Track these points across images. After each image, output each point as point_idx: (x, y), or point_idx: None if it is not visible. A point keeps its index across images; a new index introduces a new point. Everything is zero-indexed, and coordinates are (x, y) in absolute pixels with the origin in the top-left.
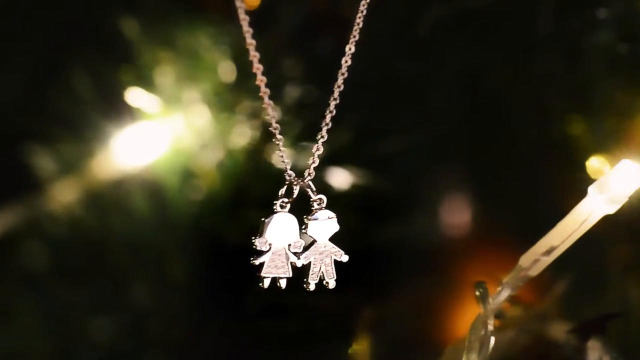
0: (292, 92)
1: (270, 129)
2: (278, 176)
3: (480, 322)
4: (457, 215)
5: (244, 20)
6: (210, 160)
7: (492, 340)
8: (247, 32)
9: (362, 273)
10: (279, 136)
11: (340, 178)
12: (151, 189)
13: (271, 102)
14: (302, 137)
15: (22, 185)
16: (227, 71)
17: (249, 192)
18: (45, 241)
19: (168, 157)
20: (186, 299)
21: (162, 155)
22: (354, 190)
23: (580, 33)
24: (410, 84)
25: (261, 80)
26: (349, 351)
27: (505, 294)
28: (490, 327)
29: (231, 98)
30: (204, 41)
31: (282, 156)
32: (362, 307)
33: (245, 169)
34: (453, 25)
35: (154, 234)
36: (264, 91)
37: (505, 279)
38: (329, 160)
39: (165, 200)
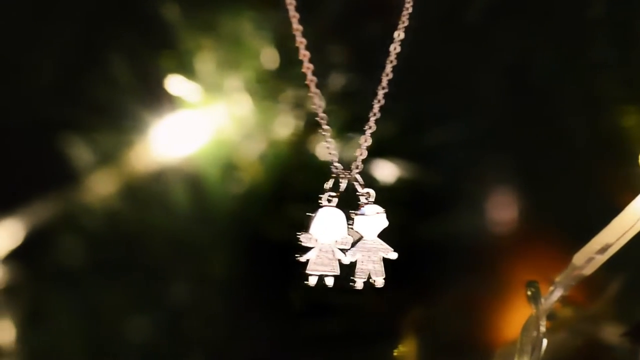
0: (338, 81)
1: (316, 119)
2: (322, 169)
3: (532, 323)
4: (506, 210)
5: (290, 4)
6: (252, 151)
7: (545, 342)
8: (294, 17)
9: (408, 271)
10: (325, 127)
11: (386, 171)
12: (191, 181)
13: (318, 90)
14: (346, 127)
15: (57, 176)
16: (270, 58)
17: (292, 185)
18: (81, 235)
19: (209, 148)
20: (226, 296)
21: (202, 146)
22: (400, 184)
23: (634, 19)
24: (459, 72)
25: (307, 67)
26: (395, 353)
27: (557, 294)
28: (543, 329)
29: (274, 86)
30: (246, 27)
31: (328, 148)
32: (408, 307)
33: (289, 161)
34: (504, 11)
35: (193, 228)
36: (311, 79)
37: (557, 279)
38: (374, 152)
39: (206, 193)
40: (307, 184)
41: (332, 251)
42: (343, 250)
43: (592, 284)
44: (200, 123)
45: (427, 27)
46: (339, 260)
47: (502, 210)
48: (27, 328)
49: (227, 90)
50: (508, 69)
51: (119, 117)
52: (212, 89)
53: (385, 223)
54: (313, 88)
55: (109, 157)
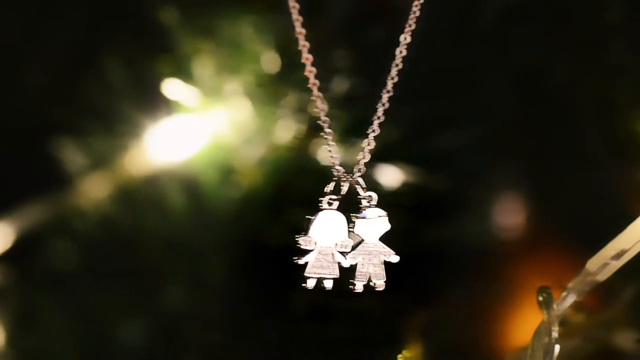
0: (341, 84)
1: (318, 122)
2: (324, 173)
3: (544, 329)
4: (515, 216)
5: (294, 8)
6: (251, 155)
7: (557, 348)
8: (297, 20)
9: (412, 275)
10: (328, 130)
11: (390, 175)
12: (188, 185)
13: (321, 94)
14: (349, 131)
15: (51, 180)
16: (270, 62)
17: (292, 189)
18: (74, 239)
19: (207, 152)
20: (224, 301)
21: (200, 151)
22: (404, 188)
23: None
24: (468, 76)
25: (310, 71)
26: (399, 358)
27: (570, 299)
28: (555, 335)
29: (275, 90)
30: (246, 30)
31: (330, 151)
32: (412, 312)
33: (289, 165)
34: (517, 15)
35: (190, 232)
36: (313, 82)
37: (570, 284)
38: (378, 156)
39: (203, 197)
40: (308, 188)
41: (332, 254)
42: (343, 253)
43: (607, 290)
44: (198, 127)
45: (436, 31)
46: (339, 263)
47: (511, 215)
48: (18, 331)
49: (226, 95)
50: (519, 73)
51: (114, 121)
52: (211, 93)
53: (387, 226)
54: (315, 92)
55: (104, 161)
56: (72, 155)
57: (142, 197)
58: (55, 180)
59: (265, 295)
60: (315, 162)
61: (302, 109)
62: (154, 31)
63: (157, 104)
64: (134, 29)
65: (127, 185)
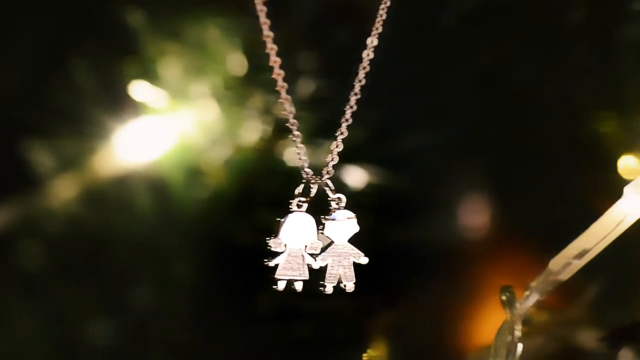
0: (308, 86)
1: (287, 124)
2: (290, 174)
3: (507, 328)
4: (479, 216)
5: (262, 11)
6: (218, 157)
7: (520, 347)
8: (264, 23)
9: (378, 276)
10: (296, 132)
11: (356, 177)
12: (156, 186)
13: (289, 96)
14: (317, 133)
15: (20, 181)
16: (237, 64)
17: (259, 190)
18: (43, 240)
19: (174, 153)
20: (192, 301)
21: (167, 152)
22: (370, 189)
23: (613, 25)
24: (434, 78)
25: (278, 74)
26: (364, 357)
27: (533, 299)
28: (518, 334)
29: (242, 92)
30: (213, 32)
31: (299, 153)
32: (378, 312)
33: (255, 167)
34: (479, 17)
35: (158, 233)
36: (282, 85)
37: (533, 284)
38: (344, 157)
39: (171, 198)
40: (273, 189)
41: (302, 256)
42: (313, 255)
43: (569, 289)
44: (165, 129)
45: (402, 34)
46: (309, 265)
47: (476, 215)
48: None
49: (193, 96)
50: (484, 75)
51: (82, 123)
52: (178, 94)
53: (356, 228)
54: (284, 94)
55: (72, 162)
56: (40, 157)
57: (110, 198)
58: (24, 181)
59: (233, 295)
60: (281, 163)
61: (268, 111)
62: (121, 33)
63: (124, 106)
64: (101, 32)
65: (95, 187)
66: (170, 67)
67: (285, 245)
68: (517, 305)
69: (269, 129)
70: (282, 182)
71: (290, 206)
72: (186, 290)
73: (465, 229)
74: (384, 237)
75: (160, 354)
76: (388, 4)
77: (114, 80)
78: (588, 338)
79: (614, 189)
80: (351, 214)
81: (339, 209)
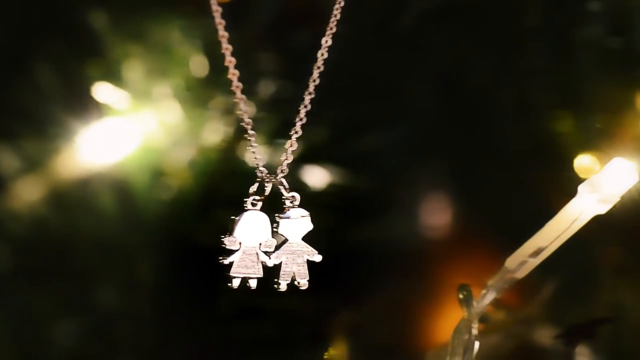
0: (267, 87)
1: (242, 124)
2: (251, 175)
3: (464, 326)
4: (438, 215)
5: (217, 12)
6: (181, 158)
7: (477, 345)
8: (220, 24)
9: (338, 275)
10: (251, 132)
11: (316, 176)
12: (119, 187)
13: (244, 96)
14: (277, 133)
15: None
16: (199, 66)
17: (221, 191)
18: (7, 241)
19: (137, 154)
20: (155, 301)
21: (130, 153)
22: (330, 189)
23: (569, 26)
24: (390, 78)
25: (233, 74)
26: (325, 356)
27: (490, 297)
28: (475, 332)
29: (204, 93)
30: (175, 34)
31: (254, 152)
32: (339, 311)
33: (218, 167)
34: (437, 18)
35: (121, 234)
36: (236, 85)
37: (490, 282)
38: (304, 158)
39: (134, 199)
40: (235, 189)
41: (256, 254)
42: (267, 253)
43: (526, 287)
44: (128, 130)
45: (357, 33)
46: (263, 262)
47: (434, 215)
48: None
49: (155, 98)
50: (441, 75)
51: (45, 124)
52: (141, 96)
53: (310, 226)
54: (239, 94)
55: (35, 164)
56: (4, 159)
57: (74, 199)
58: None
59: (195, 295)
60: (243, 164)
61: (229, 112)
62: (84, 35)
63: (87, 108)
64: (64, 33)
65: (59, 188)
66: (133, 68)
67: (240, 244)
68: (474, 303)
69: (231, 130)
70: (243, 183)
71: (245, 205)
72: (149, 291)
73: (424, 228)
74: (345, 237)
75: (125, 354)
76: (342, 4)
77: (78, 81)
78: (545, 336)
79: (570, 187)
80: (305, 212)
81: (293, 207)
